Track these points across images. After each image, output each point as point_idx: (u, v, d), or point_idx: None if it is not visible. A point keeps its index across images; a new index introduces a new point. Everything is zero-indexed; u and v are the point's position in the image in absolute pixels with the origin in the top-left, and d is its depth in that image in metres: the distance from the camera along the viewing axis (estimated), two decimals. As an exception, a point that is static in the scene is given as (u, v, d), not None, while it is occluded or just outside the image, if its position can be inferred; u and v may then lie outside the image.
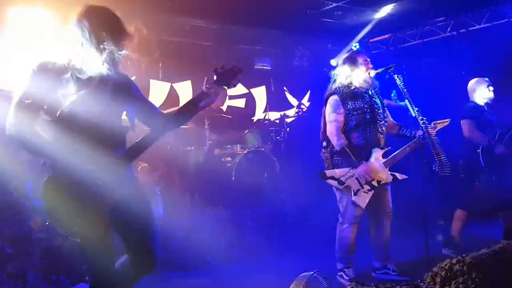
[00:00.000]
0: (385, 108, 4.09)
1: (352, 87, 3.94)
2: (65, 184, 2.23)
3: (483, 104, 4.89)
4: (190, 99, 2.54)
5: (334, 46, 8.75)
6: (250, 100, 9.06)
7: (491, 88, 4.89)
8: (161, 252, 4.62)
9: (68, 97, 2.25)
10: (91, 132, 2.29)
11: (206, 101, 2.52)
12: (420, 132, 3.90)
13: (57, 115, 2.24)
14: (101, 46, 2.30)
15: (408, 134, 4.06)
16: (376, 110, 3.93)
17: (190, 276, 4.61)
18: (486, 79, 4.95)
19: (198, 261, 4.80)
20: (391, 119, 4.18)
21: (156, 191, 5.05)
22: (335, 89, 3.95)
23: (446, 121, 3.96)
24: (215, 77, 2.56)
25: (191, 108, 2.52)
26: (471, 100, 4.96)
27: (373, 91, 4.00)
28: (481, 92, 4.90)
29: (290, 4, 6.90)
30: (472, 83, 5.00)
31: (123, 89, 2.47)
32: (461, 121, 4.84)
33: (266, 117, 7.77)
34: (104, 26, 2.31)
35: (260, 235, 5.25)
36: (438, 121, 3.95)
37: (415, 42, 8.08)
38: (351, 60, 3.97)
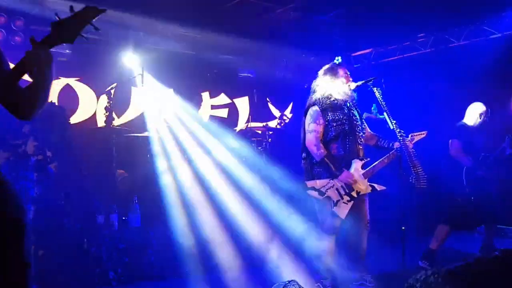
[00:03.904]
0: (363, 120, 4.14)
1: (332, 99, 3.97)
2: None
3: (473, 125, 5.02)
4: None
5: (317, 59, 8.85)
6: (233, 110, 9.06)
7: (481, 113, 5.00)
8: (137, 262, 4.59)
9: None
10: None
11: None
12: (397, 144, 3.95)
13: None
14: None
15: (386, 146, 4.11)
16: (355, 122, 3.97)
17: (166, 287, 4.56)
18: (481, 104, 5.07)
19: (175, 271, 4.74)
20: (369, 130, 4.23)
21: (133, 199, 4.98)
22: (315, 100, 3.98)
23: (423, 134, 4.03)
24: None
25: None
26: (462, 120, 5.10)
27: (351, 103, 4.04)
28: (471, 115, 5.05)
29: (275, 15, 6.97)
30: (471, 105, 5.13)
31: None
32: (449, 140, 4.99)
33: (249, 127, 7.76)
34: None
35: (239, 245, 5.21)
36: (415, 134, 4.01)
37: (396, 57, 8.20)
38: (332, 72, 4.01)
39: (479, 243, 5.33)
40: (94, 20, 2.03)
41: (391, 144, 4.06)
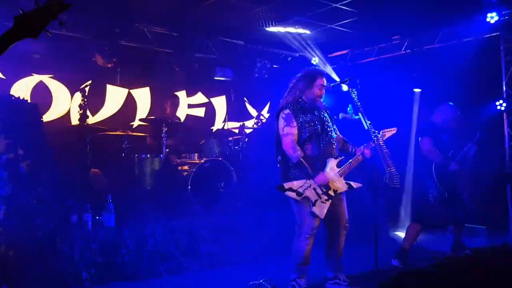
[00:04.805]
0: (333, 121, 4.19)
1: (302, 102, 4.02)
2: None
3: (439, 123, 5.13)
4: None
5: (294, 59, 8.91)
6: (210, 110, 9.02)
7: (448, 113, 5.14)
8: (111, 262, 4.52)
9: None
10: None
11: None
12: (360, 150, 4.02)
13: None
14: None
15: (350, 150, 4.18)
16: (326, 122, 4.02)
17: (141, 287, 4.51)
18: (451, 103, 5.19)
19: (150, 271, 4.70)
20: (339, 133, 4.27)
21: (108, 198, 4.91)
22: (287, 103, 4.02)
23: (393, 130, 4.09)
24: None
25: None
26: (431, 119, 5.20)
27: (321, 107, 4.10)
28: (440, 114, 5.18)
29: (250, 18, 6.98)
30: (440, 106, 5.23)
31: None
32: (419, 138, 5.10)
33: (226, 127, 7.75)
34: None
35: (215, 244, 5.19)
36: (386, 130, 4.08)
37: (372, 59, 8.29)
38: (309, 78, 4.04)
39: (450, 242, 5.44)
40: (59, 14, 1.89)
41: (354, 149, 4.13)
